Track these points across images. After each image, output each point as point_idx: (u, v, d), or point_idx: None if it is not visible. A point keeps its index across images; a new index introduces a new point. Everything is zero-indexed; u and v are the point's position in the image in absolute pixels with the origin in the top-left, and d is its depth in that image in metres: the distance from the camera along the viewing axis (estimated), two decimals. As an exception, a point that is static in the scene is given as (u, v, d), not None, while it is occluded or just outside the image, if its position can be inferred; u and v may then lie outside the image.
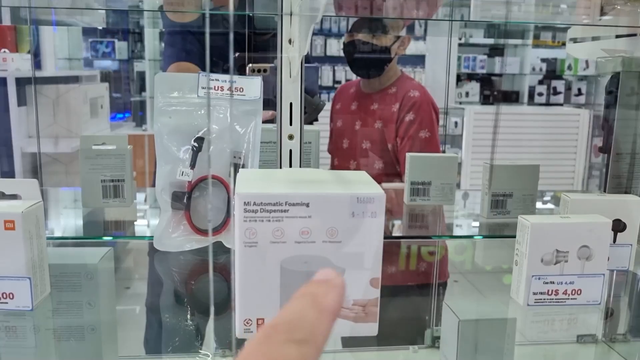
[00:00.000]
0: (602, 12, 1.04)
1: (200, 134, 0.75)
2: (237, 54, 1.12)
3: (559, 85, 4.67)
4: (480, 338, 0.78)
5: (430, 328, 0.93)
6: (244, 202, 0.50)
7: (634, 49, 0.98)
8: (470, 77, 4.70)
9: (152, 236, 0.78)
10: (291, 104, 0.78)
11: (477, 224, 1.02)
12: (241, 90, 0.77)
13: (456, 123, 4.01)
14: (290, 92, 0.78)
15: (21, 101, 2.38)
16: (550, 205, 1.37)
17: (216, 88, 0.76)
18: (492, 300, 0.91)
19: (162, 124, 0.76)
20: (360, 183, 0.55)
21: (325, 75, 4.27)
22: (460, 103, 4.40)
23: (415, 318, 0.98)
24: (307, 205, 0.51)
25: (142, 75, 4.20)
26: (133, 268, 1.05)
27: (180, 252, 0.77)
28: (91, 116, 2.76)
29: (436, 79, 4.27)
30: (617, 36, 1.04)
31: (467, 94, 4.58)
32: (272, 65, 0.96)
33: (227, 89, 0.76)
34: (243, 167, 0.76)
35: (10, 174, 2.36)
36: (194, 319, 0.91)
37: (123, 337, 0.86)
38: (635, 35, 1.00)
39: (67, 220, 1.03)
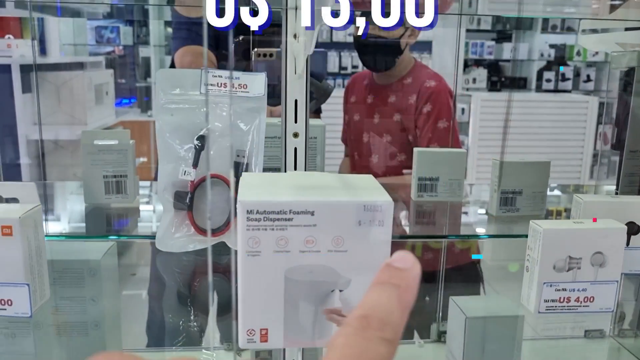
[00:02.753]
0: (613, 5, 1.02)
1: (202, 132, 0.73)
2: (241, 37, 1.09)
3: (567, 71, 4.61)
4: (487, 335, 0.76)
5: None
6: (247, 211, 0.48)
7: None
8: (478, 63, 4.65)
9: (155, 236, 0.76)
10: (296, 101, 0.76)
11: (485, 221, 1.00)
12: (245, 87, 0.75)
13: (463, 110, 3.97)
14: (296, 88, 0.75)
15: (26, 88, 2.36)
16: (556, 192, 1.35)
17: (219, 85, 0.74)
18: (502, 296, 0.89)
19: (164, 122, 0.74)
20: (367, 189, 0.53)
21: (332, 61, 4.23)
22: (468, 89, 4.35)
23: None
24: (312, 213, 0.49)
25: (147, 61, 4.17)
26: (136, 264, 1.04)
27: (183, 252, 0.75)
28: (96, 102, 2.74)
29: (443, 65, 4.22)
30: (627, 29, 1.01)
31: (474, 80, 4.53)
32: (279, 49, 0.94)
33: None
34: (247, 165, 0.74)
35: (15, 161, 2.34)
36: (195, 317, 0.90)
37: (126, 331, 0.85)
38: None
39: (69, 217, 1.02)
